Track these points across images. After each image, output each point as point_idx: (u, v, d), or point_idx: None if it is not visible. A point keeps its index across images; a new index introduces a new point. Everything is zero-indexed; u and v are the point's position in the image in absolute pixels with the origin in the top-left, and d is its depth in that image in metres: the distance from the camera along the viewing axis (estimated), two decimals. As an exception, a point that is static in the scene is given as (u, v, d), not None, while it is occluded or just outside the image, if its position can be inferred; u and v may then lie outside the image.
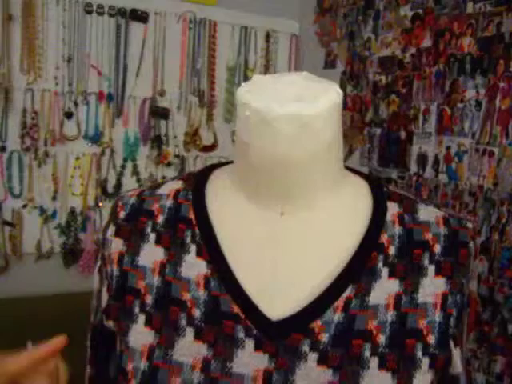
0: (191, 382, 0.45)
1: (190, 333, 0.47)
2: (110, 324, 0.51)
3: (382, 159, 2.16)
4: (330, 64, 2.42)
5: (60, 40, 2.13)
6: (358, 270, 0.48)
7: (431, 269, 0.50)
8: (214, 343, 0.46)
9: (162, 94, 2.34)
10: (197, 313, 0.48)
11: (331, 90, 0.49)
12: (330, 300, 0.47)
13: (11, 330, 1.89)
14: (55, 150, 2.19)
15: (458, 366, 0.50)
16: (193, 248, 0.50)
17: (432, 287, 0.49)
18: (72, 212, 2.27)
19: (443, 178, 1.89)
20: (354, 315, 0.46)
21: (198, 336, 0.47)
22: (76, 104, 2.20)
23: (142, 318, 0.49)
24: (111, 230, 0.55)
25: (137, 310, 0.49)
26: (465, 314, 0.52)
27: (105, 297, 0.53)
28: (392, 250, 0.49)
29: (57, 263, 2.27)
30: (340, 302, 0.47)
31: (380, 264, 0.48)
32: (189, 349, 0.46)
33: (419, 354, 0.46)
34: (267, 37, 2.49)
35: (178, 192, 0.55)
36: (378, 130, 2.16)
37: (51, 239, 2.25)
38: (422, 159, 1.97)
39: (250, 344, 0.46)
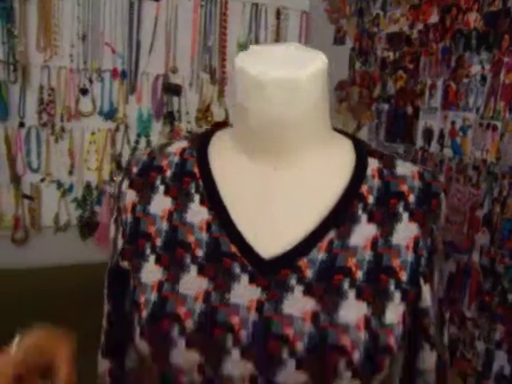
0: (194, 311, 0.52)
1: (193, 269, 0.55)
2: (125, 264, 0.59)
3: (389, 134, 2.21)
4: (339, 40, 2.46)
5: (75, 18, 2.20)
6: (341, 216, 0.55)
7: (405, 216, 0.56)
8: (214, 278, 0.54)
9: (175, 70, 2.41)
10: (200, 252, 0.55)
11: (318, 58, 0.56)
12: (315, 241, 0.54)
13: (31, 300, 2.00)
14: (71, 125, 2.27)
15: (427, 300, 0.57)
16: (196, 197, 0.58)
17: (405, 232, 0.56)
18: (88, 186, 2.36)
19: (448, 152, 1.94)
20: (336, 254, 0.54)
21: (201, 272, 0.54)
22: (91, 81, 2.28)
23: (152, 258, 0.57)
24: (125, 183, 0.63)
25: (148, 251, 0.57)
26: (435, 257, 0.58)
27: (120, 242, 0.61)
28: (371, 199, 0.56)
29: (74, 235, 2.37)
30: (324, 243, 0.54)
31: (360, 211, 0.56)
32: (192, 283, 0.54)
33: (392, 288, 0.54)
34: (277, 14, 2.53)
35: (183, 150, 0.62)
36: (386, 106, 2.21)
37: (68, 212, 2.35)
38: (428, 134, 2.02)
39: (245, 278, 0.53)
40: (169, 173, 0.61)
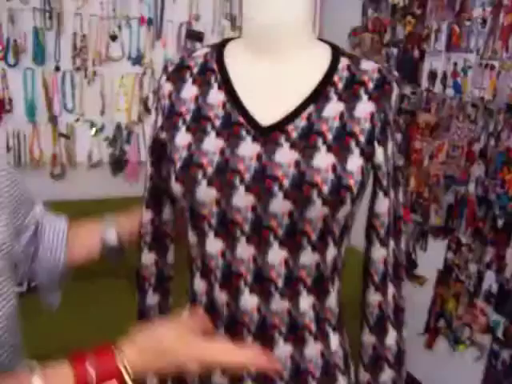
0: (213, 161, 0.75)
1: (213, 134, 0.77)
2: (163, 135, 0.82)
3: (400, 81, 2.39)
4: (353, -12, 2.62)
5: (105, -32, 2.41)
6: (318, 96, 0.77)
7: (365, 97, 0.78)
8: (227, 139, 0.76)
9: (197, 18, 2.60)
10: (217, 123, 0.78)
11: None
12: (298, 113, 0.76)
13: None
14: (102, 69, 2.50)
15: (380, 158, 0.78)
16: (215, 85, 0.80)
17: (365, 108, 0.77)
18: (118, 126, 2.60)
19: (450, 92, 2.12)
20: (313, 122, 0.75)
21: (218, 136, 0.77)
22: (120, 28, 2.49)
23: (183, 128, 0.79)
24: (163, 78, 0.85)
25: (180, 123, 0.80)
26: (388, 128, 0.79)
27: (160, 121, 0.84)
28: (340, 86, 0.78)
29: (105, 172, 2.64)
30: (305, 114, 0.76)
31: (332, 93, 0.77)
32: (212, 144, 0.77)
33: (353, 146, 0.75)
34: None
35: (206, 54, 0.84)
36: (395, 50, 2.38)
37: (100, 150, 2.60)
38: (432, 76, 2.20)
39: (248, 139, 0.76)
40: (195, 69, 0.83)
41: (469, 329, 2.15)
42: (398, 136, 0.82)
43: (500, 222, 1.96)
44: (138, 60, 2.55)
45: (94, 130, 2.54)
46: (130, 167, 2.65)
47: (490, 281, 2.04)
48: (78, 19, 2.42)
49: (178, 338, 0.72)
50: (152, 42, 2.55)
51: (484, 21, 1.98)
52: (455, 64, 2.10)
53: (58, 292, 0.94)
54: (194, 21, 2.61)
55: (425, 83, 2.24)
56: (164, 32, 2.57)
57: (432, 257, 2.30)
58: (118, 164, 2.64)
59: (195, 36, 2.59)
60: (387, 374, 0.89)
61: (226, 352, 0.72)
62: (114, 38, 2.50)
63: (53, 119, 2.48)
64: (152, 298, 0.93)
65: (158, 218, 0.89)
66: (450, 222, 2.18)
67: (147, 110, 2.61)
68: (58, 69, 2.43)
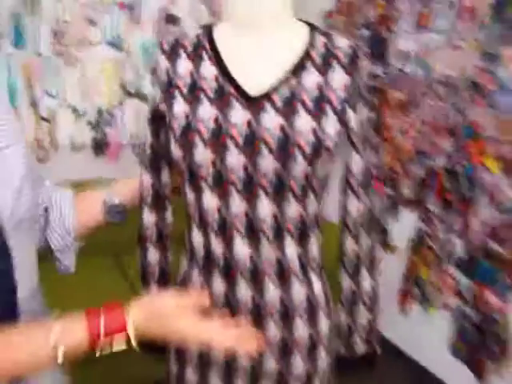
0: (209, 127, 0.86)
1: (207, 103, 0.88)
2: (163, 106, 0.93)
3: (370, 58, 2.52)
4: (326, -28, 2.73)
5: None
6: (298, 69, 0.88)
7: (339, 70, 0.89)
8: (220, 107, 0.87)
9: (174, 2, 2.69)
10: (211, 94, 0.89)
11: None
12: (281, 83, 0.87)
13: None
14: (82, 54, 2.57)
15: (352, 122, 0.90)
16: (207, 60, 0.91)
17: (339, 80, 0.89)
18: (99, 110, 2.68)
19: (419, 71, 2.26)
20: (294, 90, 0.86)
21: (212, 105, 0.88)
22: (99, 12, 2.56)
23: (180, 99, 0.90)
24: (159, 56, 0.95)
25: (177, 94, 0.90)
26: (359, 98, 0.91)
27: (158, 94, 0.94)
28: (318, 60, 0.89)
29: (88, 154, 2.72)
30: (287, 85, 0.87)
31: (310, 66, 0.89)
32: (207, 112, 0.87)
33: (330, 111, 0.87)
34: None
35: (198, 34, 0.95)
36: (367, 32, 2.51)
37: (82, 134, 2.68)
38: (402, 55, 2.34)
39: (239, 106, 0.87)
40: (189, 47, 0.93)
41: (439, 293, 2.32)
42: (366, 110, 0.94)
43: (466, 192, 2.12)
44: (117, 44, 2.62)
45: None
46: (111, 149, 2.74)
47: (458, 247, 2.20)
48: (59, 4, 2.47)
49: (178, 308, 0.80)
50: (131, 26, 2.63)
51: (451, 3, 2.11)
52: (424, 44, 2.24)
53: (72, 256, 1.04)
54: (170, 5, 2.69)
55: (395, 63, 2.38)
56: (142, 16, 2.64)
57: (404, 227, 2.46)
58: (100, 147, 2.73)
59: (172, 20, 2.67)
60: (363, 316, 1.02)
61: (219, 333, 0.79)
62: (93, 23, 2.57)
63: (34, 104, 2.54)
64: (153, 255, 1.04)
65: (157, 182, 1.00)
66: (421, 194, 2.34)
67: (127, 94, 2.70)
68: (39, 54, 2.49)
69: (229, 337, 0.79)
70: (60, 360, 0.75)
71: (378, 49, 2.45)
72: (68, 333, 0.76)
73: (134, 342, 0.78)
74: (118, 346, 0.78)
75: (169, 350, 1.06)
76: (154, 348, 1.04)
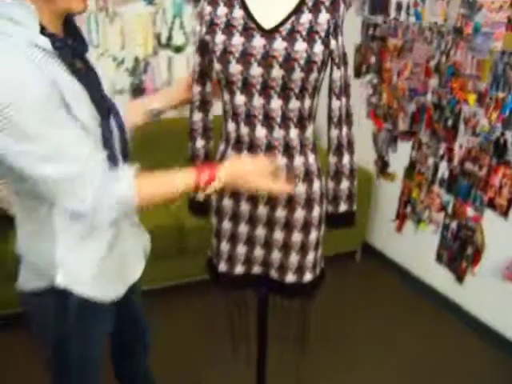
0: (238, 51, 1.35)
1: (237, 34, 1.38)
2: (207, 38, 1.41)
3: (371, 9, 2.98)
4: None
5: None
6: (296, 11, 1.36)
7: (324, 10, 1.37)
8: (245, 37, 1.35)
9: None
10: (239, 29, 1.39)
11: None
12: (285, 21, 1.34)
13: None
14: (122, 10, 3.06)
15: (333, 46, 1.38)
16: (236, 5, 1.39)
17: (324, 17, 1.37)
18: (136, 59, 3.19)
19: (412, 19, 2.72)
20: (293, 26, 1.32)
21: (241, 36, 1.37)
22: (135, -28, 3.04)
23: (219, 32, 1.38)
24: (204, 3, 1.44)
25: (217, 29, 1.38)
26: (338, 29, 1.38)
27: (203, 30, 1.43)
28: (309, 5, 1.36)
29: (126, 98, 3.23)
30: (289, 22, 1.35)
31: (305, 9, 1.37)
32: (237, 40, 1.36)
33: (317, 38, 1.34)
34: None
35: None
36: (369, -13, 2.96)
37: (122, 80, 3.19)
38: (398, 7, 2.78)
39: (258, 36, 1.34)
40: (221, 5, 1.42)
41: (428, 210, 2.82)
42: (341, 38, 1.42)
43: (449, 122, 2.59)
44: (151, 1, 3.10)
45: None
46: (147, 94, 3.25)
47: (442, 169, 2.69)
48: (99, -35, 2.96)
49: (255, 168, 1.31)
50: (163, -16, 3.11)
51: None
52: (416, -5, 2.68)
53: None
54: (197, -36, 3.14)
55: (393, 13, 2.83)
56: (173, -26, 3.12)
57: (400, 157, 2.96)
58: (137, 91, 3.24)
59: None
60: (344, 184, 1.54)
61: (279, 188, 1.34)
62: (130, -19, 3.05)
63: (81, 54, 3.05)
64: (200, 143, 1.56)
65: (203, 90, 1.51)
66: (414, 126, 2.82)
67: (160, 45, 3.20)
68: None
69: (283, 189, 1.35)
70: (179, 197, 1.24)
71: (379, 2, 2.89)
72: (185, 180, 1.23)
73: (218, 188, 1.25)
74: (210, 190, 1.24)
75: (211, 210, 1.59)
76: (200, 211, 1.59)
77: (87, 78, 1.18)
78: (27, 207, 1.22)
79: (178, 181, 1.22)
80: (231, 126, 1.46)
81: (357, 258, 3.29)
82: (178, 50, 3.27)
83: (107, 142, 1.21)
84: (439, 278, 2.82)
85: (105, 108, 1.21)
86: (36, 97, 1.00)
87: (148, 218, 1.52)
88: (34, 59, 1.01)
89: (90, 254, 1.26)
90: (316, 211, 1.51)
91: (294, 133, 1.43)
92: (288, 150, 1.44)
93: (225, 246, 1.58)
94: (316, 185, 1.49)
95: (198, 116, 1.53)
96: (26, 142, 1.01)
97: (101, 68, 1.29)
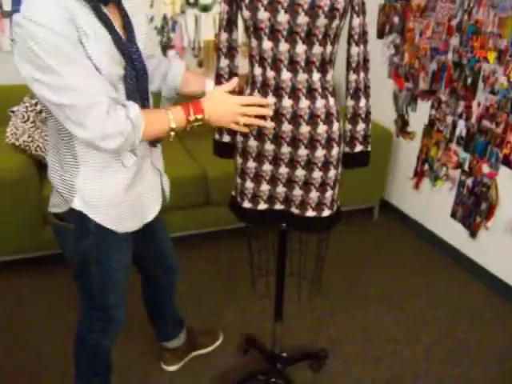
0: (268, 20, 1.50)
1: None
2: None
3: (396, -31, 3.05)
4: None
5: None
6: None
7: None
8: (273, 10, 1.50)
9: None
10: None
11: None
12: None
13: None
14: (151, -32, 3.18)
15: (356, 24, 1.52)
16: None
17: None
18: (164, 17, 3.32)
19: (436, -22, 2.79)
20: (314, 2, 1.48)
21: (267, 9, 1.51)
22: None
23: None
24: None
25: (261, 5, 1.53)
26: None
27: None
28: None
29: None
30: None
31: None
32: (264, 15, 1.50)
33: (339, 5, 1.48)
34: None
35: None
36: None
37: (151, 37, 3.33)
38: (423, -35, 2.85)
39: (282, 11, 1.50)
40: None
41: (445, 167, 2.94)
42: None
43: (469, 80, 2.69)
44: (180, -41, 3.22)
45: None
46: (176, 48, 3.39)
47: (460, 127, 2.80)
48: None
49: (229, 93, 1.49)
50: None
51: None
52: (440, -45, 2.75)
53: (172, 102, 1.72)
54: None
55: (417, -27, 2.90)
56: None
57: (420, 116, 3.06)
58: (166, 48, 3.38)
59: None
60: (360, 126, 1.67)
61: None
62: None
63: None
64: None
65: (229, 37, 1.65)
66: (434, 85, 2.92)
67: (188, 4, 3.32)
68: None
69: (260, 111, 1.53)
70: (173, 132, 1.41)
71: (404, -40, 2.97)
72: (176, 115, 1.41)
73: (205, 119, 1.45)
74: (198, 122, 1.45)
75: (236, 151, 1.74)
76: (225, 153, 1.75)
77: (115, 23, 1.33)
78: (54, 140, 1.43)
79: (171, 116, 1.41)
80: (258, 70, 1.59)
81: (375, 214, 3.43)
82: (205, 9, 3.38)
83: (129, 86, 1.38)
84: (454, 233, 2.95)
85: (129, 54, 1.36)
86: (54, 33, 1.15)
87: (173, 168, 1.70)
88: None
89: (107, 186, 1.45)
90: (335, 150, 1.65)
91: (316, 76, 1.56)
92: (310, 93, 1.57)
93: (249, 185, 1.73)
94: (335, 126, 1.63)
95: (224, 62, 1.67)
96: (43, 73, 1.19)
97: (140, 19, 1.47)
